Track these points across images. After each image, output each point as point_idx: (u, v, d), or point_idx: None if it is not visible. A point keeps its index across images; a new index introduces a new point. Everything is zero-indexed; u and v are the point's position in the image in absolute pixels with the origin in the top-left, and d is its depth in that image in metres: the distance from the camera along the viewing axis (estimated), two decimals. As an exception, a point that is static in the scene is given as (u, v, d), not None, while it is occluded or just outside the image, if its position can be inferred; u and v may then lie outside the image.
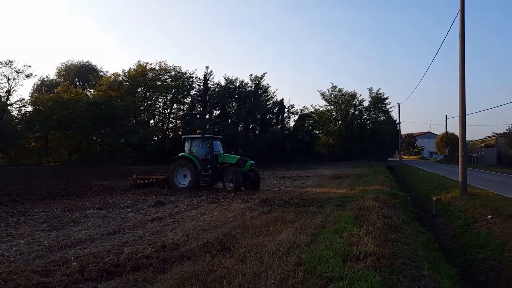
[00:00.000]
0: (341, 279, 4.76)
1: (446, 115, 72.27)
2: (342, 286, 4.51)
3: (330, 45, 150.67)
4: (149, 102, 50.64)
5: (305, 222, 8.62)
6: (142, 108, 50.09)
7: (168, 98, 51.16)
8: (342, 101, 57.53)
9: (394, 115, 61.50)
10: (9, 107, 45.55)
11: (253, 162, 17.02)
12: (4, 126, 42.79)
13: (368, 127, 58.83)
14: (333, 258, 5.66)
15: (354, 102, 58.12)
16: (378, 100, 58.17)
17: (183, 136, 18.43)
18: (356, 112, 58.98)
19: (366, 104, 58.54)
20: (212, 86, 51.83)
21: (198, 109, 52.64)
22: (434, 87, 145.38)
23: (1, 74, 44.03)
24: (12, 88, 44.99)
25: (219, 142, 18.15)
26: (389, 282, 4.83)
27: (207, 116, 51.43)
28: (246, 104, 50.06)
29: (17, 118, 46.13)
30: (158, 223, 9.10)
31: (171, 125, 53.61)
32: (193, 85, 51.49)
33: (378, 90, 58.50)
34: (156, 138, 50.33)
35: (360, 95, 57.99)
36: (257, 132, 51.97)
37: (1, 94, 44.90)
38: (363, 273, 4.97)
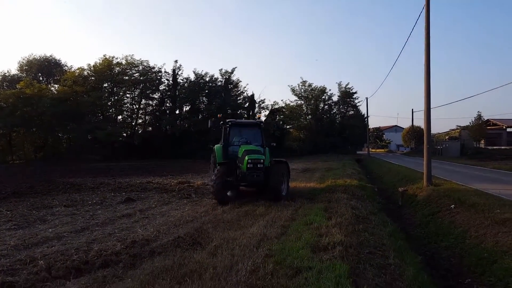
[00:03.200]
0: (310, 269, 4.86)
1: (412, 109, 75.19)
2: (310, 276, 4.60)
3: (300, 40, 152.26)
4: (116, 98, 49.12)
5: (276, 215, 8.74)
6: (109, 103, 48.53)
7: (136, 93, 49.86)
8: (312, 96, 58.25)
9: (363, 109, 63.22)
10: (-33, 103, 42.96)
11: None
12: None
13: (338, 122, 59.97)
14: (303, 249, 5.77)
15: (323, 97, 58.97)
16: (347, 95, 59.35)
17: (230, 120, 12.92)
18: (326, 106, 59.93)
19: (335, 98, 59.54)
20: (181, 81, 51.00)
21: (167, 104, 51.64)
22: (401, 81, 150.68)
23: (-42, 68, 41.42)
24: (-29, 83, 42.46)
25: None
26: (356, 271, 4.98)
27: (177, 112, 50.65)
28: (217, 99, 49.64)
29: (-23, 115, 43.55)
30: (128, 220, 8.92)
31: (140, 121, 52.36)
32: (162, 79, 50.42)
33: (347, 85, 59.69)
34: (124, 134, 49.01)
35: (330, 90, 58.90)
36: (228, 128, 51.76)
37: (-42, 89, 42.28)
38: (331, 263, 5.10)
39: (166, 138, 48.30)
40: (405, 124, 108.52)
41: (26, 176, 21.66)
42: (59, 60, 59.04)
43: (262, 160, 11.05)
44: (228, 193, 11.52)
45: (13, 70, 56.88)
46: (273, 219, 8.32)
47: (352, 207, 9.66)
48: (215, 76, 51.91)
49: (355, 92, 59.74)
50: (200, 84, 50.76)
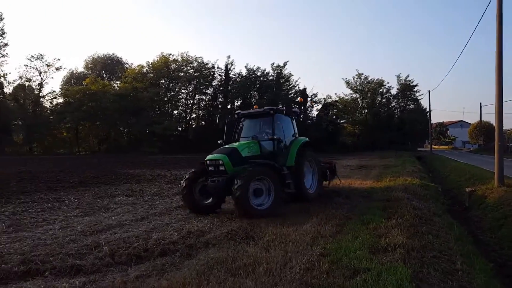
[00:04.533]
0: (368, 270, 4.68)
1: (480, 103, 69.60)
2: (369, 277, 4.42)
3: (356, 31, 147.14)
4: (172, 93, 51.35)
5: (330, 213, 8.54)
6: (165, 99, 50.95)
7: (191, 89, 51.70)
8: (368, 89, 56.10)
9: (424, 103, 59.63)
10: (41, 99, 47.55)
11: None
12: (38, 117, 44.77)
13: (396, 116, 57.19)
14: (360, 249, 5.58)
15: (381, 90, 56.52)
16: (407, 88, 56.31)
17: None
18: (383, 100, 57.39)
19: (393, 92, 56.83)
20: (233, 76, 51.92)
21: (220, 99, 52.91)
22: (468, 73, 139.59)
23: (33, 67, 45.91)
24: (44, 80, 46.89)
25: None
26: (419, 275, 4.70)
27: (228, 106, 51.63)
28: (268, 93, 49.76)
29: (49, 110, 48.10)
30: (183, 211, 9.27)
31: (194, 115, 54.30)
32: (215, 75, 51.76)
33: (407, 77, 56.57)
34: (179, 128, 51.22)
35: (388, 83, 56.29)
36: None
37: (33, 86, 46.90)
38: (391, 265, 4.86)
39: (219, 132, 49.59)
40: (472, 119, 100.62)
41: (91, 167, 23.46)
42: (120, 58, 63.16)
43: (221, 162, 8.59)
44: (209, 200, 9.07)
45: (80, 68, 61.66)
46: (328, 217, 8.13)
47: (414, 207, 9.14)
48: (267, 71, 52.06)
49: (416, 85, 56.57)
50: (252, 78, 51.23)
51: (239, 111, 11.10)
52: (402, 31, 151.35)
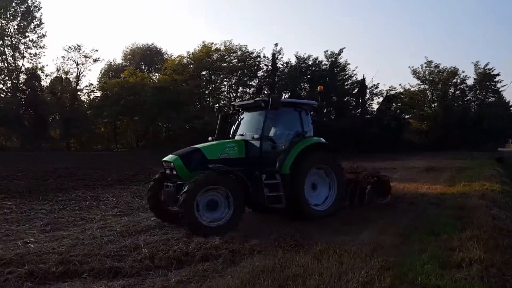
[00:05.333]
0: (438, 288, 4.50)
1: None
2: (440, 296, 4.25)
3: (424, 12, 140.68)
4: (214, 86, 52.42)
5: (392, 221, 8.43)
6: (207, 92, 52.05)
7: (234, 81, 52.40)
8: (439, 79, 53.43)
9: (508, 95, 55.64)
10: (79, 93, 50.71)
11: None
12: (75, 111, 47.83)
13: (473, 110, 54.05)
14: (428, 263, 5.42)
15: (454, 80, 53.61)
16: (486, 78, 52.89)
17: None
18: (457, 92, 54.39)
19: (470, 82, 53.66)
20: (281, 66, 51.67)
21: (265, 91, 53.06)
22: None
23: (71, 59, 49.03)
24: (81, 73, 49.92)
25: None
26: (500, 296, 4.44)
27: (275, 100, 51.69)
28: (320, 85, 49.24)
29: (87, 104, 51.16)
30: None
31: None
32: (261, 65, 51.79)
33: (486, 65, 53.04)
34: (221, 124, 52.23)
35: (463, 72, 53.22)
36: (333, 117, 50.92)
37: (71, 79, 50.14)
38: (466, 283, 4.68)
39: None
40: None
41: (129, 164, 24.65)
42: (160, 48, 65.51)
43: (172, 165, 7.89)
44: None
45: (118, 59, 64.73)
46: (389, 225, 8.03)
47: (493, 217, 8.66)
48: (319, 59, 51.21)
49: (498, 74, 52.86)
50: (302, 68, 50.75)
51: (235, 102, 9.94)
52: (480, 12, 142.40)
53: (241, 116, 9.61)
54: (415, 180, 16.49)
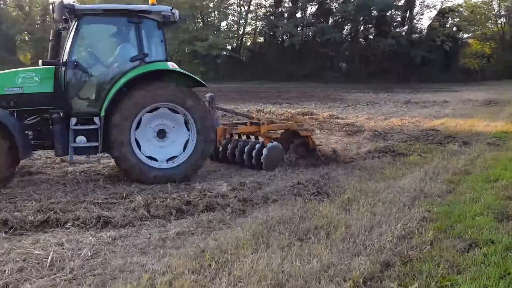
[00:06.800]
0: (491, 243, 4.60)
1: None
2: (493, 252, 4.35)
3: None
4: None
5: (439, 165, 8.51)
6: (211, 5, 50.60)
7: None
8: (510, -15, 51.00)
9: None
10: (51, 6, 49.76)
11: None
12: (48, 31, 47.17)
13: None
14: (481, 214, 5.51)
15: (530, -12, 51.10)
16: None
17: None
18: (533, 4, 52.04)
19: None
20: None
21: (286, 4, 51.34)
22: None
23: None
24: None
25: None
26: None
27: (298, 15, 50.18)
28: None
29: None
30: None
31: (249, 28, 53.57)
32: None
33: None
34: (229, 47, 51.04)
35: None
36: (372, 37, 49.56)
37: None
38: (526, 237, 4.75)
39: (282, 52, 49.04)
40: None
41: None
42: None
43: None
44: None
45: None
46: (435, 170, 8.08)
47: None
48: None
49: None
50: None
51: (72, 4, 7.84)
52: None
53: (86, 27, 7.84)
54: (470, 115, 16.51)
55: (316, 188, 6.92)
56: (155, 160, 7.59)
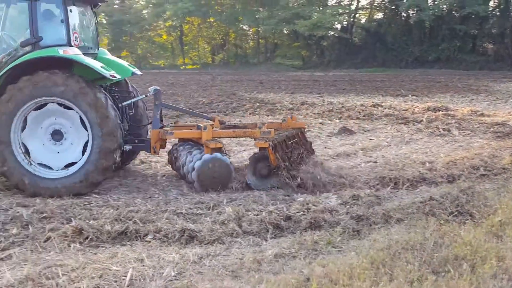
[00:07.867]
0: None
1: None
2: None
3: None
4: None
5: None
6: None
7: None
8: None
9: None
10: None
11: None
12: (124, 11, 49.90)
13: None
14: None
15: None
16: None
17: None
18: None
19: None
20: None
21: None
22: None
23: None
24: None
25: None
26: None
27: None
28: None
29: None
30: (344, 161, 9.75)
31: (364, 1, 52.57)
32: None
33: None
34: (337, 26, 50.53)
35: None
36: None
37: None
38: None
39: (407, 30, 47.63)
40: None
41: (203, 88, 25.74)
42: None
43: None
44: None
45: None
46: None
47: None
48: None
49: None
50: None
51: None
52: None
53: None
54: None
55: (456, 206, 6.69)
56: (50, 168, 7.47)
